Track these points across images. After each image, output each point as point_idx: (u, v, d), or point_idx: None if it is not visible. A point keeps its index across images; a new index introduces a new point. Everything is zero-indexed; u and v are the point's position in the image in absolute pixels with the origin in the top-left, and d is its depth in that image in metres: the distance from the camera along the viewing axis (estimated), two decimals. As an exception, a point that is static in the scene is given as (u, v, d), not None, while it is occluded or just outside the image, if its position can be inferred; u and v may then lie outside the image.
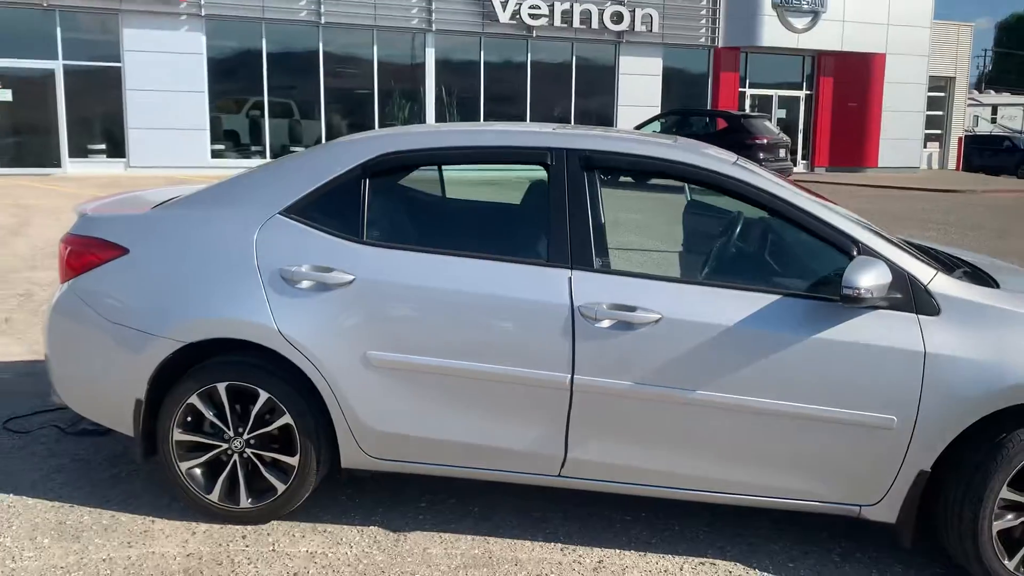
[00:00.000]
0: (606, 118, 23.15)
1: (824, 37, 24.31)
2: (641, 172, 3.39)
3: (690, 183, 3.36)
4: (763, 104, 25.39)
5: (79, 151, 18.65)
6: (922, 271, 3.11)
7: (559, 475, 3.28)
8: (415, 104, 21.38)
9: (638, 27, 22.53)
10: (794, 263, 3.39)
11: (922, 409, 3.01)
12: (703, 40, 23.68)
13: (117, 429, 3.49)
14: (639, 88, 23.14)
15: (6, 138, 18.02)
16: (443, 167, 4.10)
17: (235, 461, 3.37)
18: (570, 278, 3.17)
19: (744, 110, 24.11)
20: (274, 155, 20.13)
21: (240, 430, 3.35)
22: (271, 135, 20.26)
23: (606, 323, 3.11)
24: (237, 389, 3.32)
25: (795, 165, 24.31)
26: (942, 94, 29.24)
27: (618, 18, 22.29)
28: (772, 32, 23.64)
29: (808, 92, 25.92)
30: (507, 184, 3.83)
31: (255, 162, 19.63)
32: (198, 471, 3.39)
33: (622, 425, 3.17)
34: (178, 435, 3.36)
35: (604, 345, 3.11)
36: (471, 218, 4.22)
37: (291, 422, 3.30)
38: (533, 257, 3.25)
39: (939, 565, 3.28)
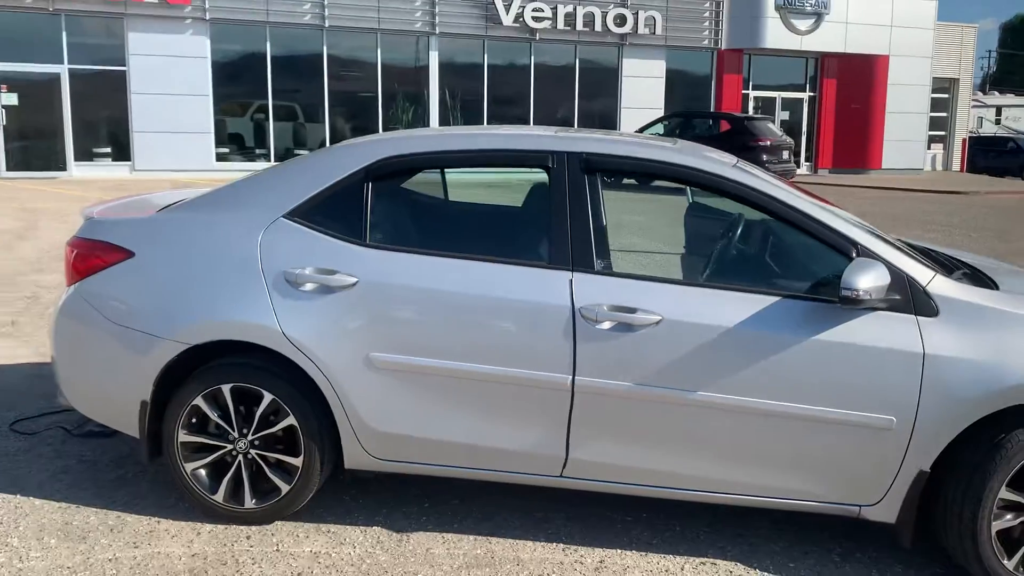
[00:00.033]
0: (609, 120, 23.17)
1: (827, 39, 24.31)
2: (641, 175, 3.42)
3: (690, 186, 3.38)
4: (766, 106, 25.40)
5: (84, 155, 18.73)
6: (921, 273, 3.13)
7: (560, 476, 3.30)
8: (419, 107, 21.43)
9: (641, 29, 22.56)
10: (794, 265, 3.42)
11: (921, 410, 3.03)
12: (706, 42, 23.69)
13: (123, 431, 3.52)
14: (642, 90, 23.17)
15: (12, 142, 18.10)
16: (445, 170, 4.13)
17: (240, 462, 3.40)
18: (571, 280, 3.20)
19: (747, 112, 24.13)
20: (278, 158, 20.19)
21: (245, 431, 3.38)
22: (275, 138, 20.32)
23: (607, 325, 3.14)
24: (242, 391, 3.35)
25: (799, 167, 24.32)
26: (946, 95, 29.22)
27: (621, 20, 22.32)
28: (775, 34, 23.65)
29: (811, 94, 25.92)
30: (511, 186, 3.86)
31: (259, 165, 19.70)
32: (203, 472, 3.42)
33: (623, 426, 3.19)
34: (183, 436, 3.39)
35: (605, 346, 3.14)
36: (473, 221, 4.25)
37: (295, 423, 3.33)
38: (534, 259, 3.28)
39: (939, 565, 3.30)
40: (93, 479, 3.82)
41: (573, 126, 22.64)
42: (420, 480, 3.85)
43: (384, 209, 3.53)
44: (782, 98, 25.64)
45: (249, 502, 3.41)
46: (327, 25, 19.99)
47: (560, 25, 21.75)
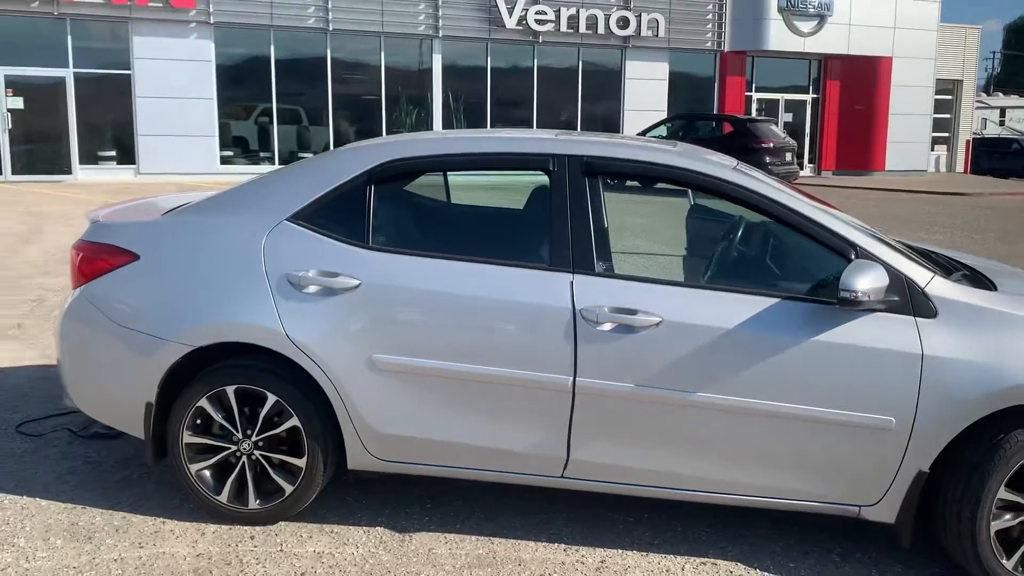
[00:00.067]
0: (612, 123, 23.20)
1: (830, 41, 24.33)
2: (642, 178, 3.44)
3: (690, 188, 3.41)
4: (769, 108, 25.41)
5: (89, 158, 18.80)
6: (919, 274, 3.15)
7: (562, 476, 3.32)
8: (422, 110, 21.48)
9: (644, 32, 22.59)
10: (794, 267, 3.44)
11: (920, 410, 3.04)
12: (709, 44, 23.72)
13: (128, 432, 3.55)
14: (645, 93, 23.20)
15: (18, 145, 18.18)
16: (448, 173, 4.16)
17: (244, 463, 3.43)
18: (572, 282, 3.22)
19: (750, 114, 24.15)
20: (283, 161, 20.24)
21: (248, 432, 3.41)
22: (280, 141, 20.38)
23: (607, 326, 3.16)
24: (245, 392, 3.38)
25: (802, 169, 24.32)
26: (949, 97, 29.21)
27: (624, 23, 22.36)
28: (778, 36, 23.67)
29: (815, 96, 25.93)
30: (515, 188, 3.89)
31: (264, 168, 19.76)
32: (207, 473, 3.45)
33: (624, 427, 3.21)
34: (188, 438, 3.42)
35: (605, 348, 3.16)
36: (475, 223, 4.28)
37: (298, 424, 3.35)
38: (536, 261, 3.31)
39: (938, 565, 3.31)
40: (99, 480, 3.85)
41: (576, 129, 22.67)
42: (422, 481, 3.88)
43: (387, 212, 3.56)
44: (785, 100, 25.66)
45: (253, 503, 3.44)
46: (331, 29, 20.05)
47: (563, 28, 21.80)
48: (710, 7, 23.53)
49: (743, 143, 18.14)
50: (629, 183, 3.54)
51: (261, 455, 3.42)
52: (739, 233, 3.76)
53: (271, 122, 20.25)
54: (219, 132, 19.61)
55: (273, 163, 20.23)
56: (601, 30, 22.18)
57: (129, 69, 18.69)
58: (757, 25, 23.55)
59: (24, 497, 3.67)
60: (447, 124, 21.59)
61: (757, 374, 3.11)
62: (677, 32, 23.13)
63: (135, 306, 3.43)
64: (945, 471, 3.10)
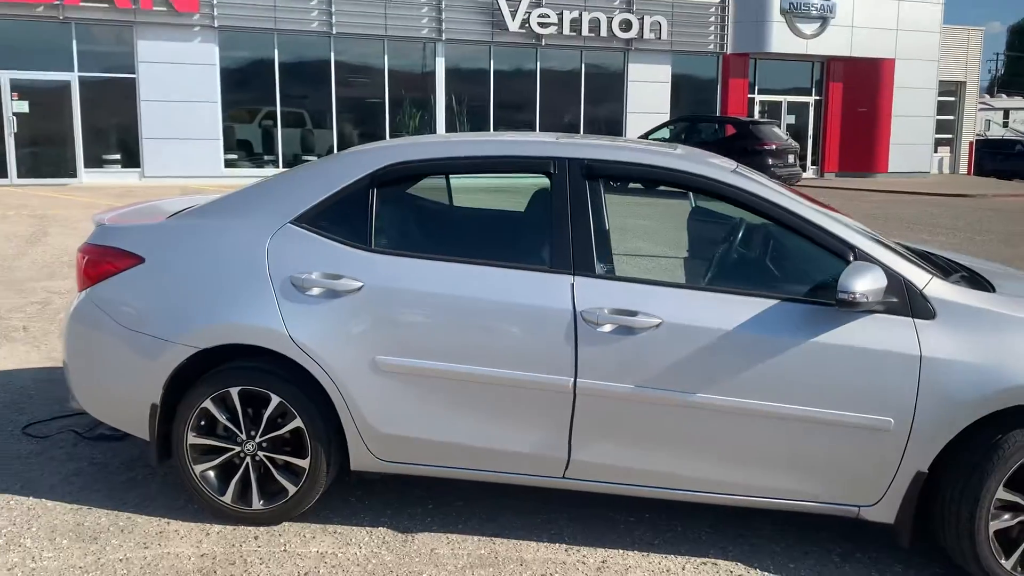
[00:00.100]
0: (615, 125, 23.23)
1: (833, 43, 24.34)
2: (641, 180, 3.46)
3: (690, 191, 3.43)
4: (772, 110, 25.42)
5: (94, 161, 18.88)
6: (917, 276, 3.17)
7: (563, 477, 3.35)
8: (425, 113, 21.53)
9: (647, 35, 22.63)
10: (793, 269, 3.46)
11: (918, 411, 3.06)
12: (712, 47, 23.75)
13: (133, 433, 3.58)
14: (648, 95, 23.23)
15: (23, 149, 18.26)
16: (450, 176, 4.19)
17: (247, 464, 3.46)
18: (572, 284, 3.25)
19: (753, 116, 24.16)
20: (287, 164, 20.31)
21: (252, 433, 3.44)
22: (284, 144, 20.44)
23: (608, 328, 3.19)
24: (249, 393, 3.41)
25: (805, 171, 24.31)
26: (952, 99, 29.19)
27: (627, 26, 22.39)
28: (781, 38, 23.69)
29: (817, 98, 25.93)
30: (519, 191, 3.92)
31: (268, 171, 19.82)
32: (212, 474, 3.48)
33: (624, 428, 3.24)
34: (192, 439, 3.45)
35: (606, 349, 3.19)
36: (476, 226, 4.31)
37: (302, 425, 3.38)
38: (537, 263, 3.33)
39: (938, 565, 3.33)
40: (104, 481, 3.89)
41: (579, 131, 22.70)
42: (424, 482, 3.90)
43: (389, 214, 3.59)
44: (788, 102, 25.66)
45: (257, 503, 3.46)
46: (335, 32, 20.11)
47: (566, 31, 21.84)
48: (712, 10, 23.56)
49: (746, 145, 18.15)
50: (632, 185, 3.56)
51: (265, 456, 3.45)
52: (739, 235, 3.79)
53: (275, 125, 20.31)
54: (223, 135, 19.67)
55: (277, 166, 20.29)
56: (604, 33, 22.22)
57: (134, 73, 18.77)
58: (759, 27, 23.57)
59: (30, 498, 3.71)
60: (450, 127, 21.64)
61: (757, 375, 3.13)
62: (680, 35, 23.16)
63: (140, 308, 3.46)
64: (944, 471, 3.12)
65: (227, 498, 3.46)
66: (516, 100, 22.28)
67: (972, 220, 15.46)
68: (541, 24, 21.55)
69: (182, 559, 3.24)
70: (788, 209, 3.27)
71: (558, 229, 3.33)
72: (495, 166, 3.51)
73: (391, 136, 20.96)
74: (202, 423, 3.45)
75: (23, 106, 18.13)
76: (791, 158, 18.87)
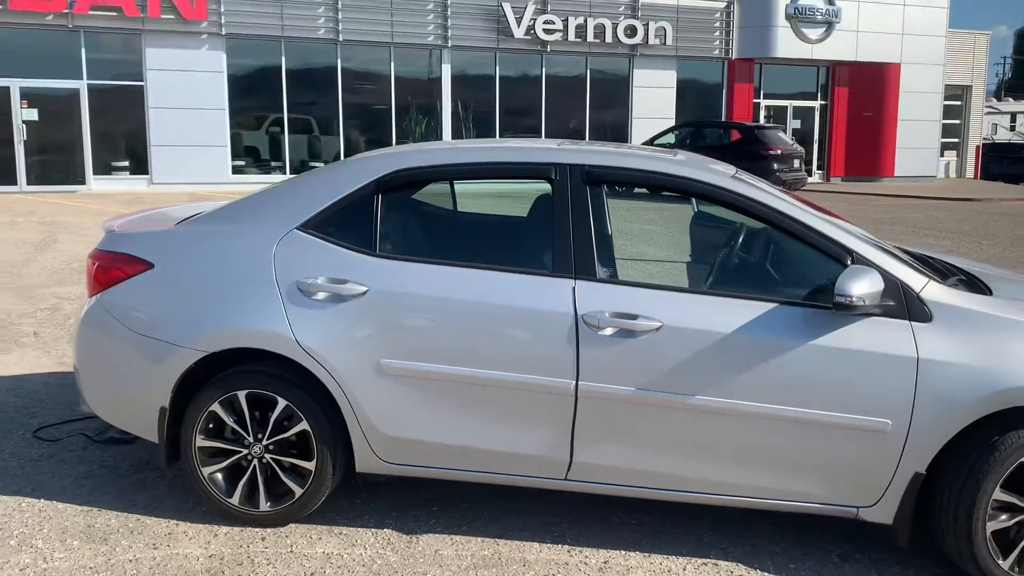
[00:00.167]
0: (620, 131, 23.29)
1: (838, 47, 24.37)
2: (641, 186, 3.51)
3: (689, 196, 3.48)
4: (778, 115, 25.45)
5: (103, 168, 19.02)
6: (915, 279, 3.21)
7: (565, 479, 3.39)
8: (432, 119, 21.62)
9: (652, 40, 22.69)
10: (792, 273, 3.50)
11: (916, 413, 3.10)
12: (717, 52, 23.80)
13: (143, 436, 3.64)
14: (653, 100, 23.29)
15: (33, 156, 18.41)
16: (454, 182, 4.25)
17: (255, 466, 3.51)
18: (574, 288, 3.30)
19: (758, 121, 24.18)
20: (294, 171, 20.42)
21: (259, 436, 3.49)
22: (291, 151, 20.55)
23: (609, 331, 3.23)
24: (257, 397, 3.46)
25: (811, 175, 24.33)
26: (959, 103, 29.16)
27: (632, 32, 22.46)
28: (786, 43, 23.73)
29: (823, 102, 25.96)
30: (525, 196, 3.97)
31: (275, 178, 19.92)
32: (220, 476, 3.54)
33: (625, 430, 3.28)
34: (200, 441, 3.51)
35: (607, 352, 3.24)
36: (480, 230, 4.36)
37: (308, 428, 3.44)
38: (539, 268, 3.38)
39: (937, 565, 3.36)
40: (114, 483, 3.95)
41: (584, 137, 22.76)
42: (429, 484, 3.95)
43: (393, 220, 3.65)
44: (793, 107, 25.69)
45: (264, 505, 3.52)
46: (341, 39, 20.23)
47: (571, 37, 21.92)
48: (717, 15, 23.62)
49: (751, 150, 18.20)
50: (637, 191, 3.61)
51: (272, 458, 3.50)
52: (740, 240, 3.83)
53: (282, 132, 20.43)
54: (231, 142, 19.80)
55: (284, 172, 20.40)
56: (609, 39, 22.29)
57: (142, 80, 18.92)
58: (765, 32, 23.62)
59: (42, 500, 3.77)
60: (456, 133, 21.73)
61: (756, 378, 3.17)
62: (685, 40, 23.22)
63: (149, 313, 3.52)
64: (941, 472, 3.15)
65: (235, 500, 3.52)
66: (522, 106, 22.36)
67: (978, 224, 15.45)
68: (546, 30, 21.64)
69: (191, 560, 3.30)
70: (786, 214, 3.31)
71: (559, 234, 3.38)
72: (498, 172, 3.57)
73: (397, 142, 21.06)
74: (210, 426, 3.51)
75: (33, 114, 18.28)
76: (796, 163, 18.90)
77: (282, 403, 3.43)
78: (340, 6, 20.03)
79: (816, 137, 25.93)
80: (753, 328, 3.19)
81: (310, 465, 3.47)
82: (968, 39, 28.96)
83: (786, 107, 25.58)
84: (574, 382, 3.26)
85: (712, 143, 19.35)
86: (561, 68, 22.57)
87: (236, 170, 19.95)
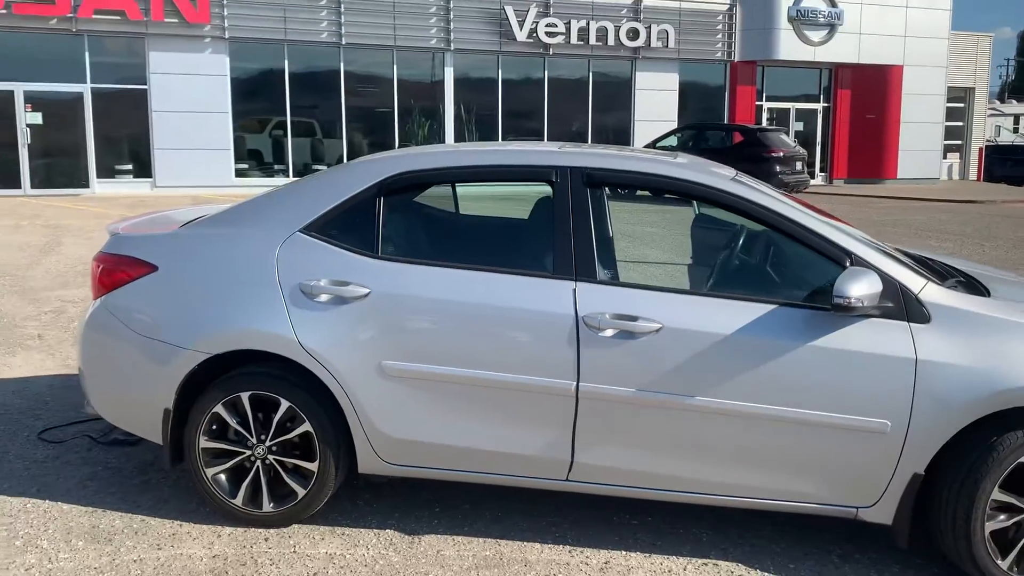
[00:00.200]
0: (623, 133, 23.32)
1: (841, 50, 24.38)
2: (641, 188, 3.54)
3: (689, 198, 3.50)
4: (780, 117, 25.46)
5: (107, 172, 19.08)
6: (913, 281, 3.23)
7: (566, 479, 3.41)
8: (434, 122, 21.66)
9: (654, 43, 22.72)
10: (792, 275, 3.52)
11: (914, 414, 3.12)
12: (719, 54, 23.82)
13: (147, 437, 3.67)
14: (656, 103, 23.31)
15: (36, 160, 18.48)
16: (455, 185, 4.27)
17: (258, 467, 3.54)
18: (574, 289, 3.32)
19: (761, 123, 24.20)
20: (297, 173, 20.46)
21: (263, 437, 3.52)
22: (294, 154, 20.60)
23: (609, 332, 3.26)
24: (260, 398, 3.49)
25: (813, 177, 24.34)
26: (961, 105, 29.16)
27: (634, 34, 22.49)
28: (789, 45, 23.74)
29: (826, 104, 25.96)
30: (527, 199, 4.00)
31: (278, 181, 19.98)
32: (223, 477, 3.56)
33: (626, 431, 3.30)
34: (204, 443, 3.53)
35: (608, 353, 3.26)
36: (481, 233, 4.39)
37: (311, 429, 3.46)
38: (540, 270, 3.41)
39: (936, 566, 3.38)
40: (118, 484, 3.97)
41: (587, 139, 22.80)
42: (431, 485, 3.98)
43: (395, 222, 3.67)
44: (796, 109, 25.70)
45: (267, 506, 3.54)
46: (344, 42, 20.28)
47: (573, 40, 21.95)
48: (720, 17, 23.64)
49: (753, 152, 18.21)
50: (640, 193, 3.64)
51: (275, 459, 3.53)
52: (740, 242, 3.85)
53: (285, 135, 20.48)
54: (234, 145, 19.85)
55: (287, 176, 20.45)
56: (611, 42, 22.32)
57: (145, 84, 18.98)
58: (767, 35, 23.64)
59: (47, 501, 3.80)
60: (459, 136, 21.77)
61: (755, 379, 3.19)
62: (687, 43, 23.25)
63: (154, 315, 3.55)
64: (940, 473, 3.17)
65: (238, 501, 3.54)
66: (524, 109, 22.40)
67: (981, 226, 15.45)
68: (549, 33, 21.68)
69: (194, 560, 3.32)
70: (785, 216, 3.33)
71: (560, 236, 3.40)
72: (499, 175, 3.59)
73: (400, 145, 21.10)
74: (214, 427, 3.54)
75: (37, 117, 18.36)
76: (799, 165, 18.91)
77: (285, 404, 3.46)
78: (343, 9, 20.09)
79: (819, 139, 25.94)
80: (752, 329, 3.21)
81: (313, 466, 3.49)
82: (971, 41, 28.96)
83: (788, 109, 25.59)
84: (575, 383, 3.28)
85: (714, 145, 19.37)
86: (563, 71, 22.61)
87: (239, 173, 20.00)
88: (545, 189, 3.57)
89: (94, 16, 18.07)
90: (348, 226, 3.54)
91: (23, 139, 18.27)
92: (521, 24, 21.41)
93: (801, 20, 23.66)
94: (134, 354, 3.57)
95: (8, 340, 6.49)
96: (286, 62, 20.13)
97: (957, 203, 20.46)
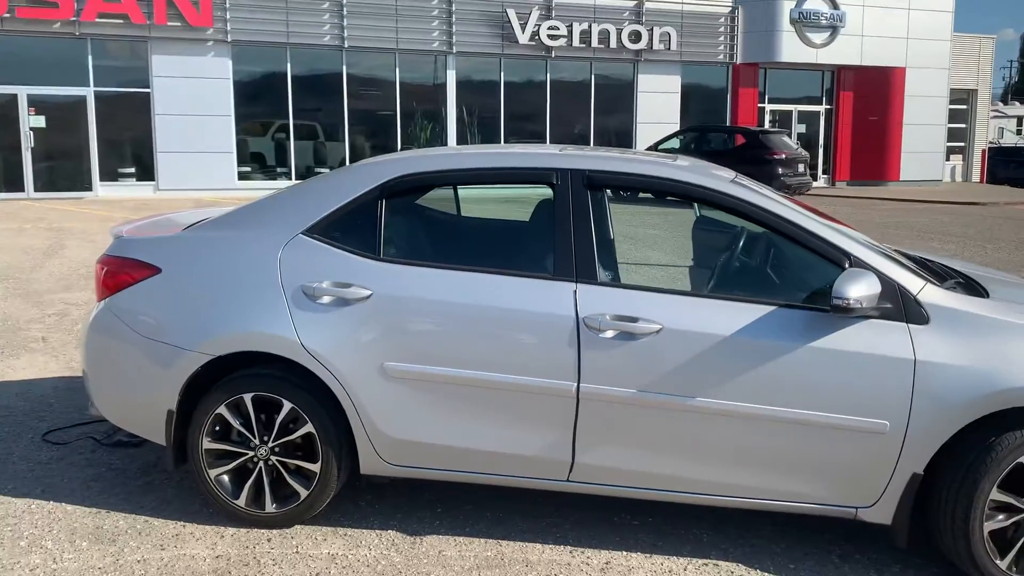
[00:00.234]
0: (625, 136, 23.34)
1: (843, 51, 24.39)
2: (641, 190, 3.56)
3: (690, 201, 3.52)
4: (783, 119, 25.47)
5: (110, 175, 19.13)
6: (911, 282, 3.24)
7: (567, 480, 3.43)
8: (437, 125, 21.70)
9: (656, 45, 22.74)
10: (791, 276, 3.54)
11: (913, 414, 3.13)
12: (721, 57, 23.84)
13: (150, 439, 3.69)
14: (658, 105, 23.33)
15: (40, 163, 18.53)
16: (457, 187, 4.29)
17: (260, 468, 3.56)
18: (575, 291, 3.34)
19: (763, 126, 24.21)
20: (299, 176, 20.50)
21: (265, 439, 3.54)
22: (296, 157, 20.64)
23: (610, 333, 3.27)
24: (262, 399, 3.51)
25: (816, 180, 24.36)
26: (964, 107, 29.15)
27: (636, 37, 22.52)
28: (791, 47, 23.76)
29: (828, 107, 25.97)
30: (530, 201, 4.03)
31: (281, 183, 20.01)
32: (226, 478, 3.58)
33: (626, 431, 3.32)
34: (207, 444, 3.56)
35: (608, 354, 3.28)
36: (482, 235, 4.41)
37: (313, 431, 3.48)
38: (541, 271, 3.43)
39: (936, 565, 3.39)
40: (122, 486, 4.00)
41: (589, 142, 22.82)
42: (434, 486, 4.00)
43: (397, 225, 3.70)
44: (799, 111, 25.71)
45: (270, 506, 3.56)
46: (346, 46, 20.32)
47: (575, 42, 21.98)
48: (722, 20, 23.66)
49: (756, 154, 18.22)
50: (642, 195, 3.66)
51: (277, 460, 3.55)
52: (740, 244, 3.87)
53: (288, 138, 20.52)
54: (237, 148, 19.89)
55: (290, 178, 20.50)
56: (613, 44, 22.35)
57: (148, 87, 19.03)
58: (769, 37, 23.65)
59: (51, 502, 3.82)
60: (461, 139, 21.80)
61: (755, 380, 3.21)
62: (689, 45, 23.27)
63: (157, 317, 3.57)
64: (939, 473, 3.18)
65: (241, 502, 3.56)
66: (527, 111, 22.43)
67: (983, 228, 15.45)
68: (551, 36, 21.71)
69: (198, 560, 3.34)
70: (785, 218, 3.35)
71: (561, 238, 3.42)
72: (500, 177, 3.61)
73: (402, 148, 21.14)
74: (217, 428, 3.56)
75: (40, 121, 18.41)
76: (801, 167, 18.91)
77: (287, 406, 3.48)
78: (345, 13, 20.14)
79: (821, 141, 25.94)
80: (752, 331, 3.22)
81: (315, 467, 3.51)
82: (973, 43, 28.96)
83: (791, 111, 25.60)
84: (576, 384, 3.30)
85: (717, 148, 19.38)
86: (566, 74, 22.64)
87: (242, 176, 20.04)
88: (546, 191, 3.59)
89: (97, 20, 18.12)
90: (350, 228, 3.56)
91: (26, 142, 18.33)
92: (523, 27, 21.45)
93: (803, 22, 23.68)
94: (138, 356, 3.60)
95: (12, 343, 6.52)
96: (288, 65, 20.18)
97: (960, 205, 20.46)
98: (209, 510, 3.73)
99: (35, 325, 7.10)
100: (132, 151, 19.28)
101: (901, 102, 25.52)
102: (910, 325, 3.17)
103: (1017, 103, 46.39)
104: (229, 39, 19.29)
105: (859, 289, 3.05)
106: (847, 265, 3.24)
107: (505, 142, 21.62)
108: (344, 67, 20.64)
